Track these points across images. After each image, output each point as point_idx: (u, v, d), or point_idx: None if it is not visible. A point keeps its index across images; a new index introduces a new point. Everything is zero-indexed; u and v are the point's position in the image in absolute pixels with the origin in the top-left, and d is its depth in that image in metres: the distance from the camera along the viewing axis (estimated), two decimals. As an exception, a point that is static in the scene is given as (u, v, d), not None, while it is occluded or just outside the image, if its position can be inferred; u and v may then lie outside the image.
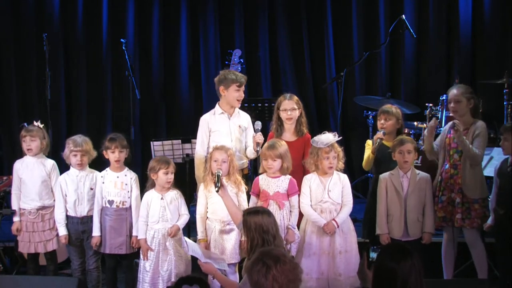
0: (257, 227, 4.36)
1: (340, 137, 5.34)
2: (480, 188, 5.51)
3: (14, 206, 5.72)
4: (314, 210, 5.28)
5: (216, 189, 4.86)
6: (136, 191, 5.57)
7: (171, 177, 5.37)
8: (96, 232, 5.53)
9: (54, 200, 5.69)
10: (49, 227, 5.68)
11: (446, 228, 5.61)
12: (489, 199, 5.60)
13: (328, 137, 5.29)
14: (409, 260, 3.29)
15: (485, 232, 5.62)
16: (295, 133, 5.77)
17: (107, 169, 5.64)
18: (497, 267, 5.71)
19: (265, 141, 5.60)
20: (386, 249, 3.61)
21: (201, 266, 4.72)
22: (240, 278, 5.41)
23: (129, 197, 5.55)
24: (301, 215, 5.37)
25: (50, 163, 5.76)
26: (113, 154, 5.54)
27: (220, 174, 4.94)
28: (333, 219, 5.22)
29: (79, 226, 5.60)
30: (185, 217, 5.41)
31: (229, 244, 5.28)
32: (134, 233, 5.50)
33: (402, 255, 3.32)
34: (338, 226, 5.22)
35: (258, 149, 5.54)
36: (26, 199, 5.70)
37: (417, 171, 5.49)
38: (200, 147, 5.76)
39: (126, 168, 5.64)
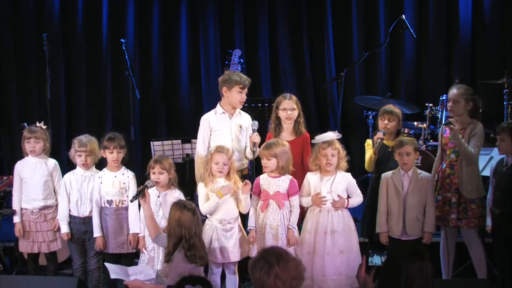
0: (177, 219, 4.58)
1: (340, 135, 5.36)
2: (476, 188, 5.52)
3: (15, 206, 5.71)
4: (313, 210, 5.29)
5: (134, 197, 5.00)
6: (133, 189, 5.52)
7: (159, 177, 5.27)
8: (97, 233, 5.50)
9: (56, 200, 5.69)
10: (52, 227, 5.68)
11: (442, 227, 5.63)
12: (487, 199, 5.60)
13: (328, 135, 5.32)
14: (417, 263, 3.27)
15: (486, 232, 5.63)
16: (293, 132, 5.78)
17: (105, 169, 5.61)
18: (497, 267, 5.71)
19: (263, 141, 5.59)
20: (401, 247, 3.58)
21: (128, 285, 4.73)
22: (240, 278, 5.42)
23: (127, 196, 5.52)
24: (301, 216, 5.38)
25: (52, 162, 5.76)
26: (111, 154, 5.52)
27: (149, 186, 5.04)
28: (346, 198, 5.29)
29: (81, 226, 5.58)
30: None
31: (230, 243, 5.26)
32: (131, 231, 5.46)
33: (412, 256, 3.29)
34: (347, 206, 5.27)
35: (255, 149, 5.54)
36: (28, 199, 5.69)
37: (419, 171, 5.49)
38: (201, 146, 5.75)
39: (123, 168, 5.61)
